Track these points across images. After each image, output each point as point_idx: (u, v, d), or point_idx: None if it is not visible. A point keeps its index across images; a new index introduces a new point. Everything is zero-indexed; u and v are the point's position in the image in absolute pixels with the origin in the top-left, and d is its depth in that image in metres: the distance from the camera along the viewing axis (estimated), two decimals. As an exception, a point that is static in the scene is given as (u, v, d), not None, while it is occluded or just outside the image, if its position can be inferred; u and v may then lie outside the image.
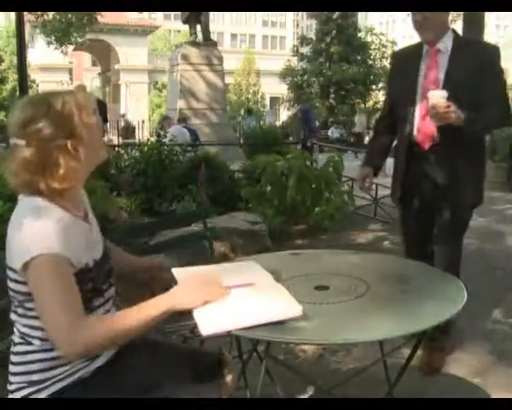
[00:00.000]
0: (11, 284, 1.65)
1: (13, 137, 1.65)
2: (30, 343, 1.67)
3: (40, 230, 1.57)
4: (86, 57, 54.05)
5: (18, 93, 9.20)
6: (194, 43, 15.37)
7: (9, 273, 1.65)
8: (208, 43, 15.55)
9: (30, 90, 10.94)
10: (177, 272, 1.94)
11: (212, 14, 16.79)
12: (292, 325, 1.65)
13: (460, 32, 16.32)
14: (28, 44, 18.21)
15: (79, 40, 18.40)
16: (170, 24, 68.94)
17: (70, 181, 1.66)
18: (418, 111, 3.10)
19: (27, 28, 11.34)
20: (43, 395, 1.66)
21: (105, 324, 1.59)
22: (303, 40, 38.86)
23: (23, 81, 8.56)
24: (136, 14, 42.59)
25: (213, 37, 18.07)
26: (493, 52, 3.11)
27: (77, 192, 1.77)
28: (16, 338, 1.71)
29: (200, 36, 15.66)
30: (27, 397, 1.67)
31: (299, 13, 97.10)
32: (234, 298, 1.72)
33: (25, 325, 1.67)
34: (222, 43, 68.60)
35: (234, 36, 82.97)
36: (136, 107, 36.44)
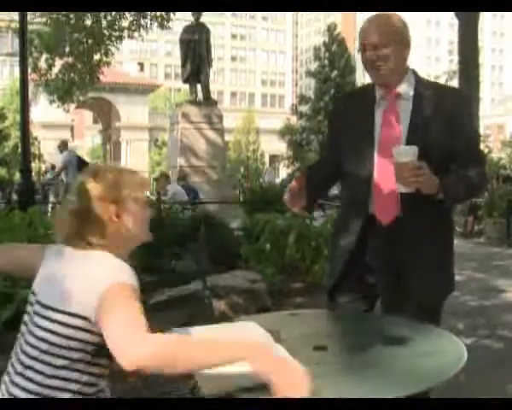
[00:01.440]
0: (79, 334, 1.70)
1: (69, 194, 1.88)
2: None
3: (110, 266, 1.74)
4: (87, 115, 54.73)
5: (20, 150, 9.28)
6: (194, 102, 15.60)
7: (76, 322, 1.69)
8: (208, 101, 15.78)
9: (32, 147, 11.04)
10: (177, 332, 1.95)
11: (212, 73, 17.07)
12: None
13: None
14: (31, 102, 18.47)
15: (81, 98, 18.68)
16: (170, 83, 70.10)
17: (107, 241, 1.81)
18: (377, 172, 2.45)
19: (31, 87, 11.50)
20: None
21: (173, 342, 1.58)
22: (302, 99, 39.59)
23: (25, 138, 8.66)
24: (136, 73, 43.37)
25: (213, 95, 18.37)
26: (464, 99, 2.67)
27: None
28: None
29: (200, 95, 15.90)
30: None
31: (298, 72, 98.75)
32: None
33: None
34: (222, 101, 69.56)
35: (233, 94, 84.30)
36: (137, 164, 36.71)
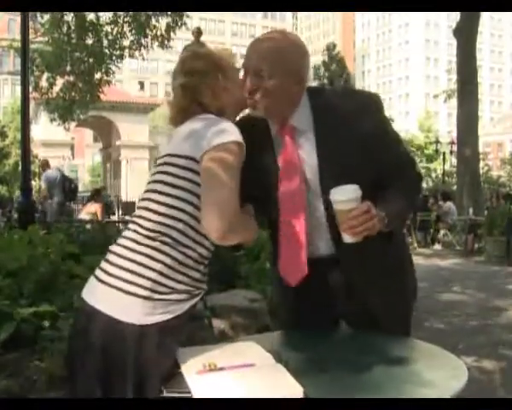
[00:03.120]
0: (187, 174, 1.85)
1: (175, 80, 2.07)
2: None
3: (228, 125, 1.90)
4: (88, 133, 54.95)
5: (20, 168, 9.31)
6: (193, 122, 15.64)
7: (177, 161, 1.87)
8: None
9: (32, 166, 11.11)
10: (178, 352, 1.94)
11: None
12: (292, 407, 1.63)
13: (455, 107, 16.55)
14: (32, 120, 18.51)
15: (82, 117, 18.75)
16: (171, 101, 70.33)
17: (218, 103, 2.02)
18: (280, 228, 2.15)
19: (32, 105, 11.57)
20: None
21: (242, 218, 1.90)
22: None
23: (26, 156, 8.67)
24: (137, 91, 43.54)
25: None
26: (373, 103, 2.17)
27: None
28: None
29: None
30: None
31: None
32: (234, 379, 1.72)
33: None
34: (222, 119, 69.76)
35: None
36: (137, 183, 36.74)
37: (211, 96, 2.01)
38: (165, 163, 1.91)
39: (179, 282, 1.82)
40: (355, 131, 2.05)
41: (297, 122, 2.10)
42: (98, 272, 1.87)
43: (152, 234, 1.82)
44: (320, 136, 2.08)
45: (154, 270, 1.78)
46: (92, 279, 1.88)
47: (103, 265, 1.88)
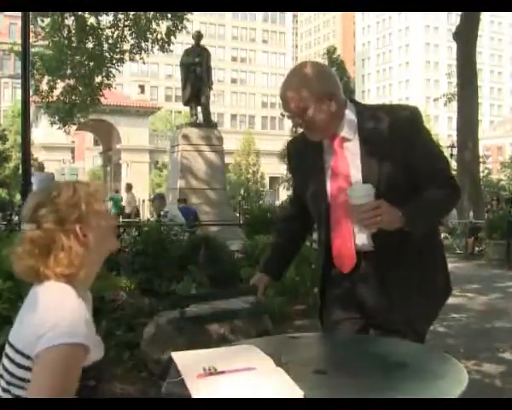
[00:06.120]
0: (10, 367, 1.61)
1: (23, 223, 1.72)
2: None
3: (66, 314, 1.56)
4: (88, 136, 54.95)
5: (21, 171, 9.31)
6: (194, 124, 15.64)
7: (14, 356, 1.60)
8: (209, 123, 15.83)
9: (32, 169, 11.11)
10: (176, 356, 1.94)
11: (212, 95, 17.16)
12: (292, 411, 1.63)
13: (455, 111, 16.51)
14: (32, 124, 18.49)
15: (82, 120, 18.77)
16: (171, 105, 70.45)
17: (75, 267, 1.66)
18: (332, 225, 2.41)
19: (32, 108, 11.57)
20: None
21: None
22: (301, 120, 39.78)
23: (26, 160, 8.68)
24: (137, 95, 43.55)
25: (214, 117, 18.45)
26: (413, 115, 2.36)
27: (86, 286, 1.75)
28: None
29: (200, 117, 15.96)
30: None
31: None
32: (234, 383, 1.72)
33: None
34: (222, 123, 70.02)
35: (234, 116, 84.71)
36: (137, 186, 36.73)
37: (64, 256, 1.65)
38: (5, 354, 1.65)
39: None
40: (397, 143, 2.27)
41: (344, 132, 2.35)
42: None
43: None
44: (364, 144, 2.32)
45: None
46: None
47: None
